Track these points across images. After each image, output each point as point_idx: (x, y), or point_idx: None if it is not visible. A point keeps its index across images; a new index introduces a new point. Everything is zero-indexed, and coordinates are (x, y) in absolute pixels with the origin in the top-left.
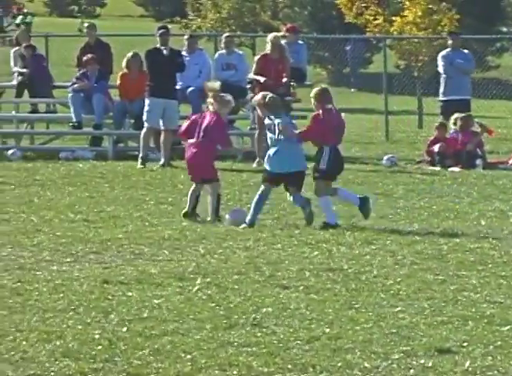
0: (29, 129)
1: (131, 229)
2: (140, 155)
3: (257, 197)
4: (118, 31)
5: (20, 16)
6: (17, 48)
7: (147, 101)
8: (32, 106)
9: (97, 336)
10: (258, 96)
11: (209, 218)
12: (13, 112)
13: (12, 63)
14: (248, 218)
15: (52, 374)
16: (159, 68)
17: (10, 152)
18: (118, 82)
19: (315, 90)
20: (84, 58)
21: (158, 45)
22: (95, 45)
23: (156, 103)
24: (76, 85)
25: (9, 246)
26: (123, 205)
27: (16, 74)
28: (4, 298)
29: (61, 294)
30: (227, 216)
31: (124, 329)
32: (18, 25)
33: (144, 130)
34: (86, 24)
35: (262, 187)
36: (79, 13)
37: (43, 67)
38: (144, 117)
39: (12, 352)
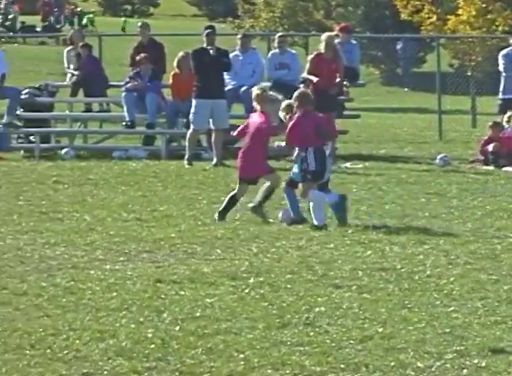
0: (82, 128)
1: (183, 229)
2: (186, 156)
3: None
4: (171, 31)
5: (88, 15)
6: (71, 47)
7: (194, 103)
8: (86, 105)
9: (150, 335)
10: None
11: (252, 204)
12: (67, 111)
13: (65, 63)
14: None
15: (105, 372)
16: (205, 68)
17: (64, 151)
18: (170, 82)
19: (295, 94)
20: (138, 57)
21: (205, 45)
22: (149, 45)
23: (203, 104)
24: (129, 85)
25: (62, 245)
26: (176, 204)
27: (69, 74)
28: (57, 297)
29: (114, 293)
30: (280, 215)
31: (177, 328)
32: (86, 25)
33: (190, 131)
34: (139, 24)
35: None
36: (133, 13)
37: (98, 67)
38: (190, 119)
39: (66, 351)
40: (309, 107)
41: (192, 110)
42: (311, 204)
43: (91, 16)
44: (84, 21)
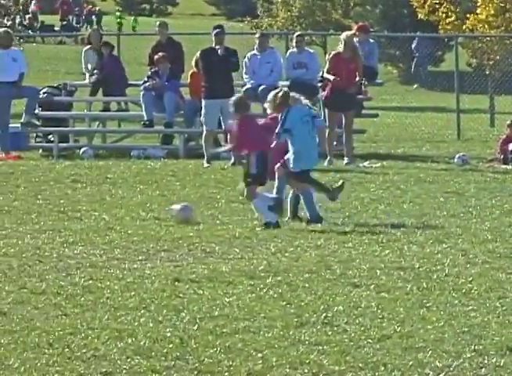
0: (101, 128)
1: (202, 228)
2: (205, 158)
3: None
4: (189, 30)
5: (118, 13)
6: (88, 46)
7: (203, 103)
8: (104, 104)
9: (168, 334)
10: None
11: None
12: (85, 111)
13: (83, 62)
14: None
15: (124, 371)
16: (213, 68)
17: (82, 150)
18: (188, 81)
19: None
20: (156, 56)
21: (213, 45)
22: (167, 44)
23: (213, 104)
24: (147, 84)
25: (80, 244)
26: (194, 203)
27: (88, 73)
28: (76, 296)
29: (132, 292)
30: (176, 210)
31: (195, 327)
32: (121, 25)
33: (204, 133)
34: (158, 23)
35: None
36: (151, 12)
37: (119, 66)
38: (202, 120)
39: (84, 350)
40: (245, 113)
41: (203, 111)
42: (255, 204)
43: (118, 14)
44: (118, 20)
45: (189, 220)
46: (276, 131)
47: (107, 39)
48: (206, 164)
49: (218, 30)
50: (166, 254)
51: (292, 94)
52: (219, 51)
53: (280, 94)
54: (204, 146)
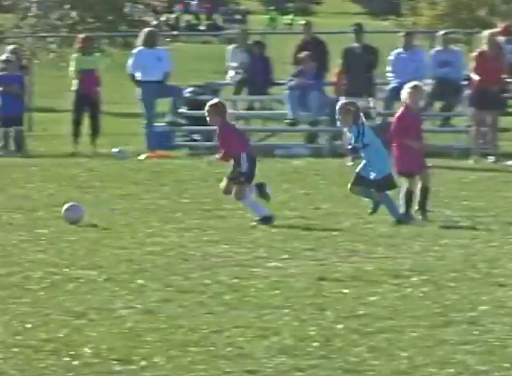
0: (245, 126)
1: (346, 227)
2: (349, 157)
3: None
4: (334, 29)
5: (290, 16)
6: (235, 45)
7: (342, 100)
8: (248, 103)
9: (313, 333)
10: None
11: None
12: (230, 109)
13: (228, 61)
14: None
15: (268, 370)
16: (353, 66)
17: None
18: (334, 79)
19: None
20: (301, 55)
21: (354, 43)
22: (312, 43)
23: None
24: (292, 83)
25: (225, 242)
26: (339, 202)
27: (233, 72)
28: (221, 295)
29: (277, 291)
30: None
31: (340, 326)
32: (291, 23)
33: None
34: (302, 22)
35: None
36: (296, 11)
37: (268, 66)
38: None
39: (229, 348)
40: (220, 118)
41: None
42: (245, 203)
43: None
44: (288, 20)
45: (78, 220)
46: (353, 146)
47: (252, 38)
48: (350, 163)
49: (356, 28)
50: (310, 252)
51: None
52: (358, 49)
53: (353, 107)
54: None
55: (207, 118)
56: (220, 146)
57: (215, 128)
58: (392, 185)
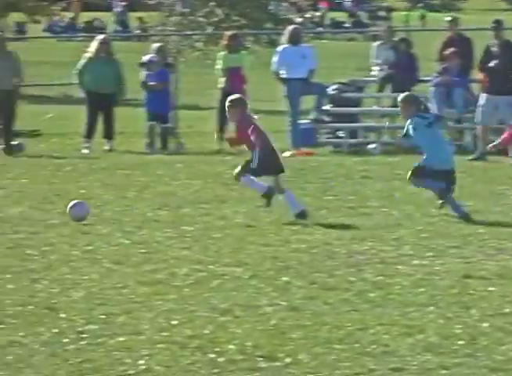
0: (389, 124)
1: (493, 224)
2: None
3: None
4: (481, 25)
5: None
6: (380, 42)
7: (480, 97)
8: (393, 100)
9: (458, 331)
10: None
11: None
12: (375, 106)
13: (373, 58)
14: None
15: (414, 367)
16: (491, 63)
17: (371, 146)
18: (480, 77)
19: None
20: (446, 52)
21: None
22: (457, 39)
23: (488, 99)
24: (437, 80)
25: (370, 240)
26: (484, 200)
27: (378, 68)
28: (366, 292)
29: (422, 289)
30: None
31: (486, 324)
32: (423, 18)
33: (479, 127)
34: (448, 18)
35: None
36: (442, 7)
37: (413, 63)
38: (476, 113)
39: (374, 346)
40: (241, 113)
41: (479, 104)
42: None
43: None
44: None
45: (83, 217)
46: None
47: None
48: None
49: (495, 24)
50: (456, 250)
51: None
52: (497, 45)
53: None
54: (476, 142)
55: (227, 114)
56: (238, 135)
57: (360, 125)
58: (453, 180)
